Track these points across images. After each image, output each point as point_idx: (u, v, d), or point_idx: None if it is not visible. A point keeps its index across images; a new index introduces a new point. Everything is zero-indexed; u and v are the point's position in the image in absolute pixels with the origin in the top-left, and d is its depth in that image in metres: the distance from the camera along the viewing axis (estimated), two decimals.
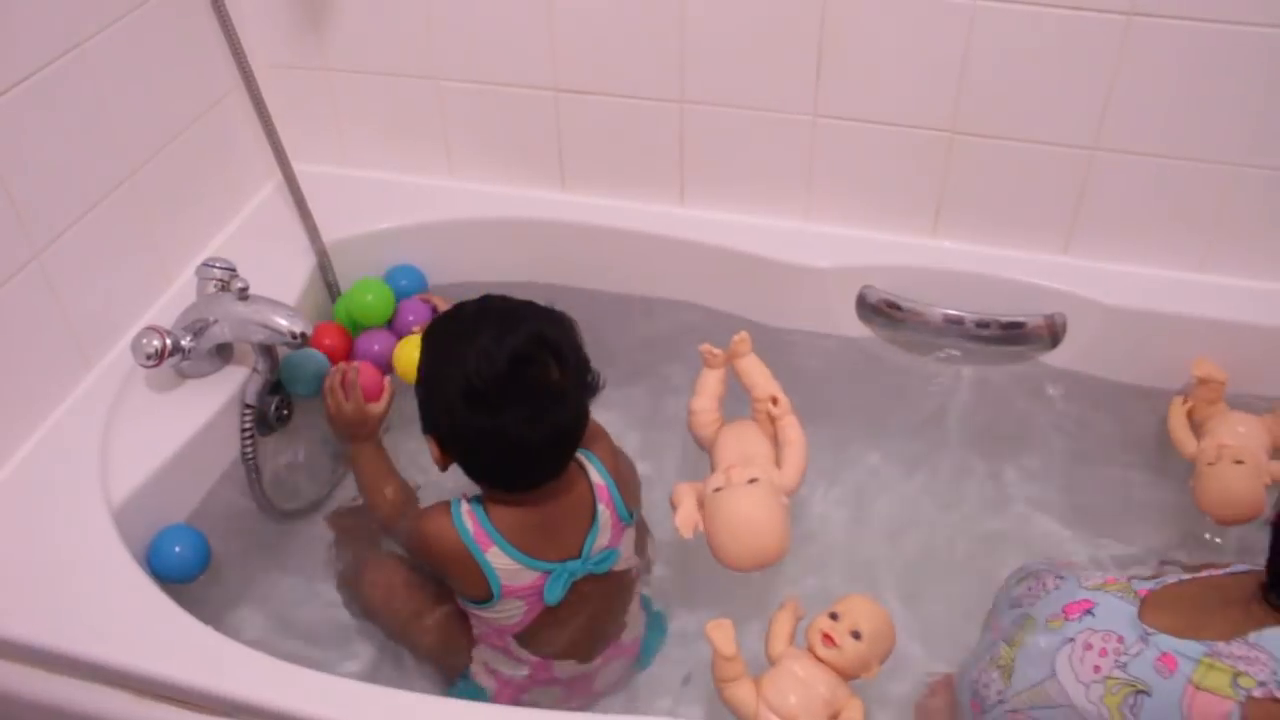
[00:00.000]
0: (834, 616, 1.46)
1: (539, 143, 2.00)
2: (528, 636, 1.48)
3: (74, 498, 1.48)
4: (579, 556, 1.44)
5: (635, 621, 1.60)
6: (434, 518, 1.43)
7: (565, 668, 1.53)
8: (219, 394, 1.66)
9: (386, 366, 1.81)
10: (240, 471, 1.69)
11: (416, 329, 1.87)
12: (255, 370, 1.66)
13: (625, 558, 1.51)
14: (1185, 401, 1.80)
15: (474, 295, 1.45)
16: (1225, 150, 1.73)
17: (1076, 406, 1.91)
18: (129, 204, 1.70)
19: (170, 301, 1.78)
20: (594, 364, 1.42)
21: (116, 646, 1.33)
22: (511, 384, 1.31)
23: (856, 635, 1.43)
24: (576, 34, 1.86)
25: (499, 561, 1.40)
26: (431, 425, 1.41)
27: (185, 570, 1.53)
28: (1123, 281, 1.85)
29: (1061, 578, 1.42)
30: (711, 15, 1.79)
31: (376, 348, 1.86)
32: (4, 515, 1.47)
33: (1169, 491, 1.79)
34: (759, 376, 1.71)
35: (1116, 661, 1.26)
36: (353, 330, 1.92)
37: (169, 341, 1.57)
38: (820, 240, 1.94)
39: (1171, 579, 1.33)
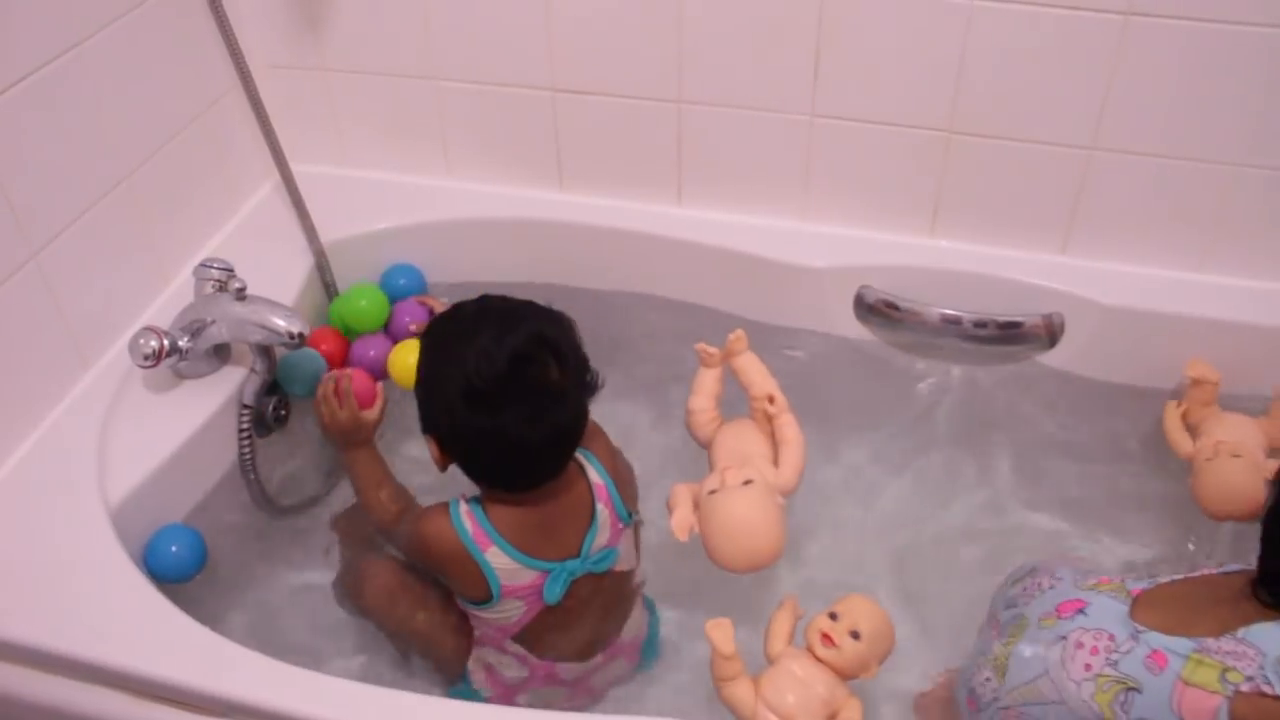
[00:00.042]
0: (833, 616, 1.45)
1: (537, 143, 2.00)
2: (527, 637, 1.48)
3: (71, 498, 1.48)
4: (578, 556, 1.44)
5: (637, 622, 1.60)
6: (432, 519, 1.43)
7: (565, 668, 1.53)
8: (217, 394, 1.66)
9: (381, 372, 1.80)
10: (238, 472, 1.69)
11: (414, 327, 1.86)
12: (253, 370, 1.66)
13: (624, 557, 1.51)
14: (1180, 405, 1.80)
15: (472, 295, 1.45)
16: (1223, 150, 1.73)
17: (1074, 406, 1.91)
18: (126, 204, 1.69)
19: (168, 302, 1.78)
20: (592, 363, 1.42)
21: (114, 647, 1.33)
22: (512, 383, 1.31)
23: (856, 635, 1.43)
24: (574, 34, 1.86)
25: (498, 561, 1.40)
26: (431, 425, 1.41)
27: (182, 570, 1.53)
28: (1121, 281, 1.85)
29: (1057, 577, 1.43)
30: (709, 15, 1.79)
31: (372, 353, 1.85)
32: (1, 516, 1.47)
33: (1167, 491, 1.79)
34: (756, 375, 1.71)
35: (1108, 659, 1.27)
36: (347, 335, 1.91)
37: (166, 342, 1.57)
38: (818, 240, 1.94)
39: (1165, 579, 1.35)
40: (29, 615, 1.36)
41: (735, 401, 1.74)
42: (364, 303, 1.89)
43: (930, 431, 1.93)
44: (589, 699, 1.60)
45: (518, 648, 1.49)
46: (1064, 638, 1.32)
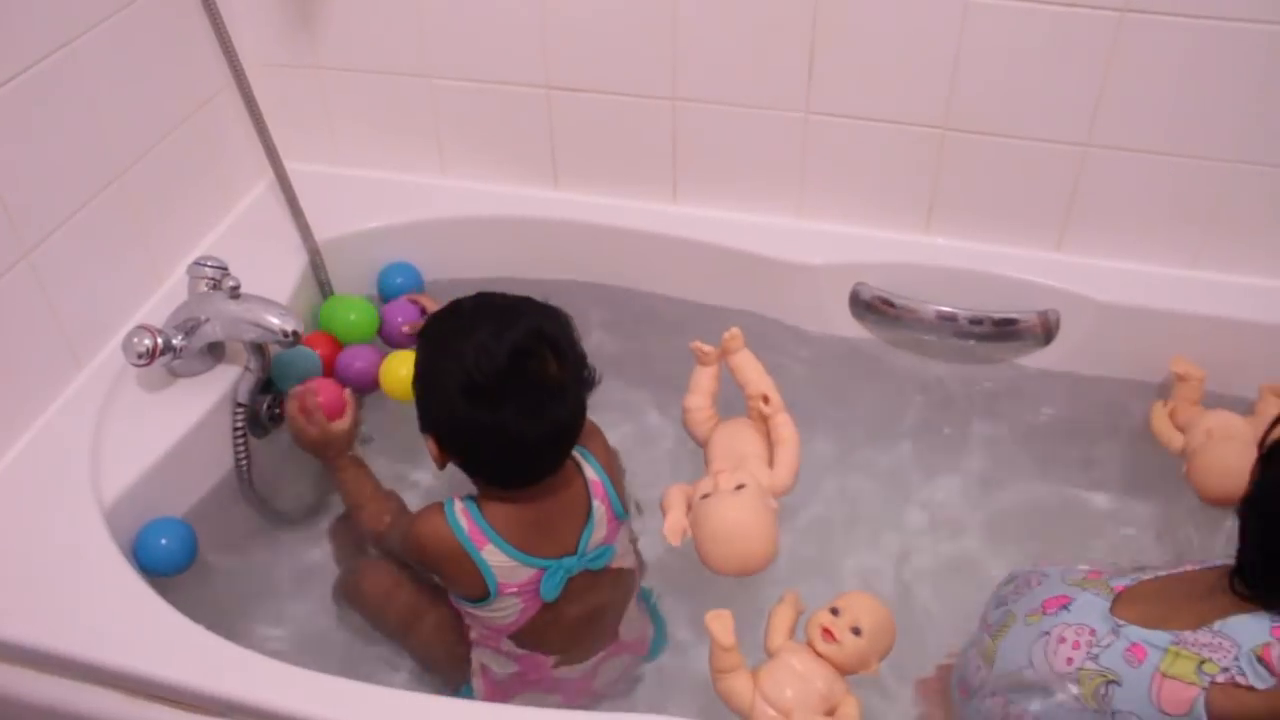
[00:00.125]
0: (835, 612, 1.45)
1: (532, 141, 2.00)
2: (524, 636, 1.47)
3: (65, 497, 1.48)
4: (575, 553, 1.44)
5: (636, 619, 1.60)
6: (427, 519, 1.43)
7: (564, 669, 1.52)
8: (211, 393, 1.65)
9: (371, 384, 1.79)
10: (232, 471, 1.68)
11: (406, 328, 1.85)
12: (247, 369, 1.65)
13: (621, 553, 1.51)
14: (1167, 404, 1.80)
15: (468, 293, 1.44)
16: (1218, 147, 1.74)
17: (1070, 403, 1.91)
18: (120, 203, 1.69)
19: (161, 300, 1.78)
20: (589, 360, 1.42)
21: (108, 646, 1.32)
22: (511, 378, 1.31)
23: (857, 631, 1.43)
24: (569, 31, 1.86)
25: (495, 559, 1.40)
26: (430, 423, 1.41)
27: (172, 562, 1.52)
28: (1116, 278, 1.85)
29: (1045, 575, 1.47)
30: (704, 12, 1.79)
31: (358, 364, 1.81)
32: None
33: (1160, 487, 1.79)
34: (752, 373, 1.71)
35: (1088, 653, 1.30)
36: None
37: (160, 340, 1.56)
38: (813, 237, 1.94)
39: (1148, 575, 1.38)
40: (22, 614, 1.36)
41: (733, 400, 1.74)
42: (353, 316, 1.87)
43: (926, 428, 1.93)
44: (589, 699, 1.59)
45: (514, 647, 1.48)
46: (1047, 633, 1.35)
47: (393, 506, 1.59)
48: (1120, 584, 1.37)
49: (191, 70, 1.83)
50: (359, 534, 1.65)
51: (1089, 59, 1.69)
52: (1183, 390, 1.78)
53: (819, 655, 1.44)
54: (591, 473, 1.47)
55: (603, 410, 1.44)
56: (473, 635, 1.52)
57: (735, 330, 1.73)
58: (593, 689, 1.58)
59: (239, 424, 1.66)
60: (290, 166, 1.89)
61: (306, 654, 1.62)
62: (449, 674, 1.57)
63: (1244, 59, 1.64)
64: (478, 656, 1.53)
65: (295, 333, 1.56)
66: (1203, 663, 1.22)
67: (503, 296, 1.42)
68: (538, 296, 1.43)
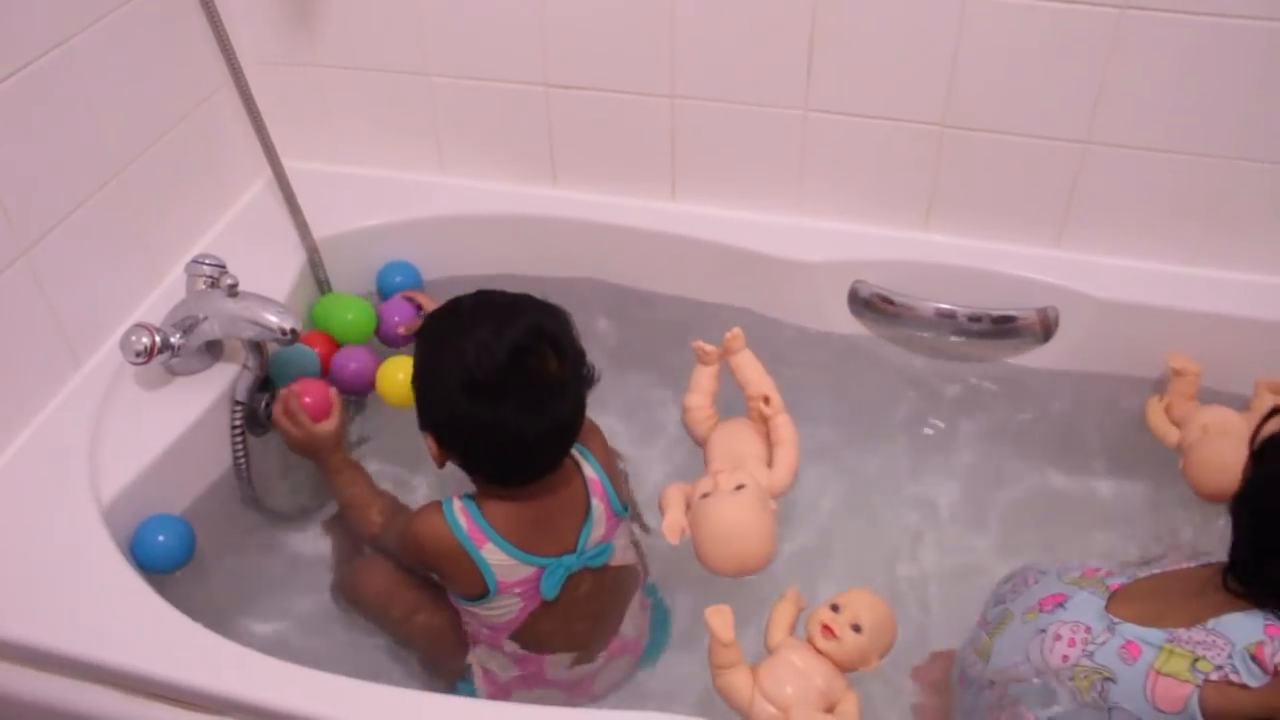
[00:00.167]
0: (835, 608, 1.46)
1: (530, 138, 2.00)
2: (524, 634, 1.47)
3: (63, 496, 1.47)
4: (574, 551, 1.44)
5: (636, 618, 1.60)
6: (426, 518, 1.43)
7: (563, 670, 1.52)
8: (209, 391, 1.65)
9: (365, 385, 1.79)
10: (230, 469, 1.68)
11: (403, 329, 1.85)
12: (245, 367, 1.65)
13: (621, 551, 1.51)
14: (1163, 398, 1.80)
15: (467, 291, 1.44)
16: (1217, 144, 1.73)
17: (1068, 399, 1.91)
18: (118, 201, 1.69)
19: (159, 299, 1.77)
20: (588, 357, 1.42)
21: (106, 644, 1.32)
22: (512, 375, 1.31)
23: (857, 628, 1.43)
24: (567, 29, 1.85)
25: (494, 557, 1.40)
26: (429, 421, 1.40)
27: (170, 559, 1.52)
28: (1115, 275, 1.85)
29: (1042, 573, 1.48)
30: (702, 10, 1.78)
31: (353, 366, 1.80)
32: None
33: (1160, 482, 1.79)
34: (752, 373, 1.71)
35: (1084, 651, 1.31)
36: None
37: (158, 338, 1.56)
38: (812, 235, 1.94)
39: (1143, 573, 1.39)
40: (20, 613, 1.36)
41: (732, 400, 1.74)
42: (350, 315, 1.86)
43: (924, 425, 1.93)
44: (588, 699, 1.59)
45: (515, 647, 1.48)
46: (1044, 630, 1.37)
47: (385, 505, 1.59)
48: (1116, 582, 1.38)
49: (189, 68, 1.82)
50: (353, 532, 1.65)
51: (1088, 56, 1.69)
52: (1179, 385, 1.78)
53: (819, 652, 1.44)
54: (590, 471, 1.47)
55: (600, 408, 1.44)
56: (470, 633, 1.52)
57: (737, 330, 1.73)
58: (593, 690, 1.58)
59: (237, 422, 1.66)
60: (288, 164, 1.88)
61: (304, 651, 1.62)
62: (446, 671, 1.57)
63: (1243, 56, 1.64)
64: (476, 656, 1.53)
65: (293, 331, 1.55)
66: (1196, 660, 1.23)
67: (502, 294, 1.42)
68: (536, 294, 1.43)
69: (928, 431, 1.93)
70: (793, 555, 1.74)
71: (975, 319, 1.88)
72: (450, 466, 1.43)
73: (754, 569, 1.56)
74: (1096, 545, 1.78)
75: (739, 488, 1.57)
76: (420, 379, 1.41)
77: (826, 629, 1.44)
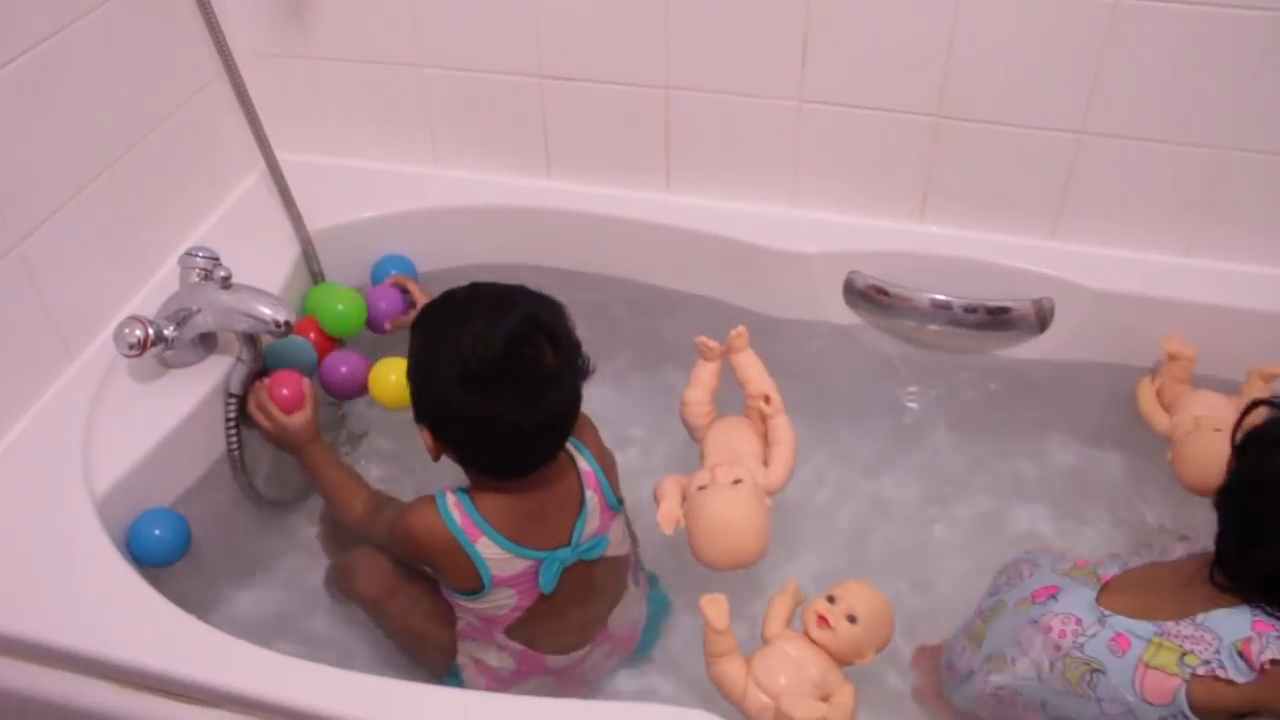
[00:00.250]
0: (831, 600, 1.45)
1: (524, 130, 1.99)
2: (519, 628, 1.47)
3: (57, 489, 1.47)
4: (568, 544, 1.44)
5: (632, 609, 1.60)
6: (419, 512, 1.43)
7: (558, 660, 1.52)
8: (203, 384, 1.65)
9: (356, 388, 1.78)
10: (225, 461, 1.68)
11: (389, 325, 1.84)
12: (239, 359, 1.65)
13: (616, 544, 1.51)
14: (1154, 380, 1.80)
15: (461, 283, 1.44)
16: (1212, 134, 1.73)
17: (1064, 390, 1.91)
18: (110, 193, 1.68)
19: (153, 291, 1.77)
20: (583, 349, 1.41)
21: (100, 637, 1.32)
22: (509, 366, 1.31)
23: (852, 619, 1.43)
24: (561, 20, 1.85)
25: (489, 551, 1.40)
26: (425, 414, 1.40)
27: (165, 553, 1.52)
28: (1110, 266, 1.85)
29: (1036, 565, 1.49)
30: (696, 0, 1.78)
31: (344, 369, 1.79)
32: None
33: (1154, 473, 1.79)
34: (754, 372, 1.71)
35: (1075, 642, 1.33)
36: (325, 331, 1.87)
37: (152, 331, 1.55)
38: (807, 226, 1.93)
39: (1134, 564, 1.41)
40: (13, 606, 1.35)
41: (732, 398, 1.74)
42: (340, 307, 1.84)
43: (919, 416, 1.94)
44: (582, 689, 1.59)
45: (507, 639, 1.48)
46: (1035, 621, 1.38)
47: (368, 496, 1.59)
48: (1107, 573, 1.39)
49: (182, 60, 1.82)
50: (339, 523, 1.65)
51: (1083, 46, 1.69)
52: (1172, 369, 1.78)
53: (814, 643, 1.43)
54: (584, 464, 1.47)
55: (593, 401, 1.44)
56: (460, 626, 1.51)
57: (741, 329, 1.72)
58: (586, 680, 1.58)
59: (231, 414, 1.66)
60: (282, 157, 1.88)
61: (300, 643, 1.63)
62: (435, 664, 1.57)
63: (1239, 46, 1.64)
64: (470, 649, 1.53)
65: (287, 323, 1.55)
66: (1184, 654, 1.24)
67: (497, 286, 1.42)
68: (531, 285, 1.42)
69: (923, 422, 1.93)
70: (790, 548, 1.74)
71: (970, 310, 1.88)
72: (444, 463, 1.42)
73: (747, 563, 1.56)
74: (1089, 534, 1.79)
75: (736, 482, 1.57)
76: (415, 371, 1.41)
77: (821, 619, 1.43)
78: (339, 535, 1.73)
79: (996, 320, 1.88)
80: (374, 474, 1.83)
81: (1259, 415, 1.34)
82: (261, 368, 1.68)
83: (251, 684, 1.28)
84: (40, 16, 1.51)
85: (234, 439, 1.67)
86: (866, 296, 1.91)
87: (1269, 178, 1.75)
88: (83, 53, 1.59)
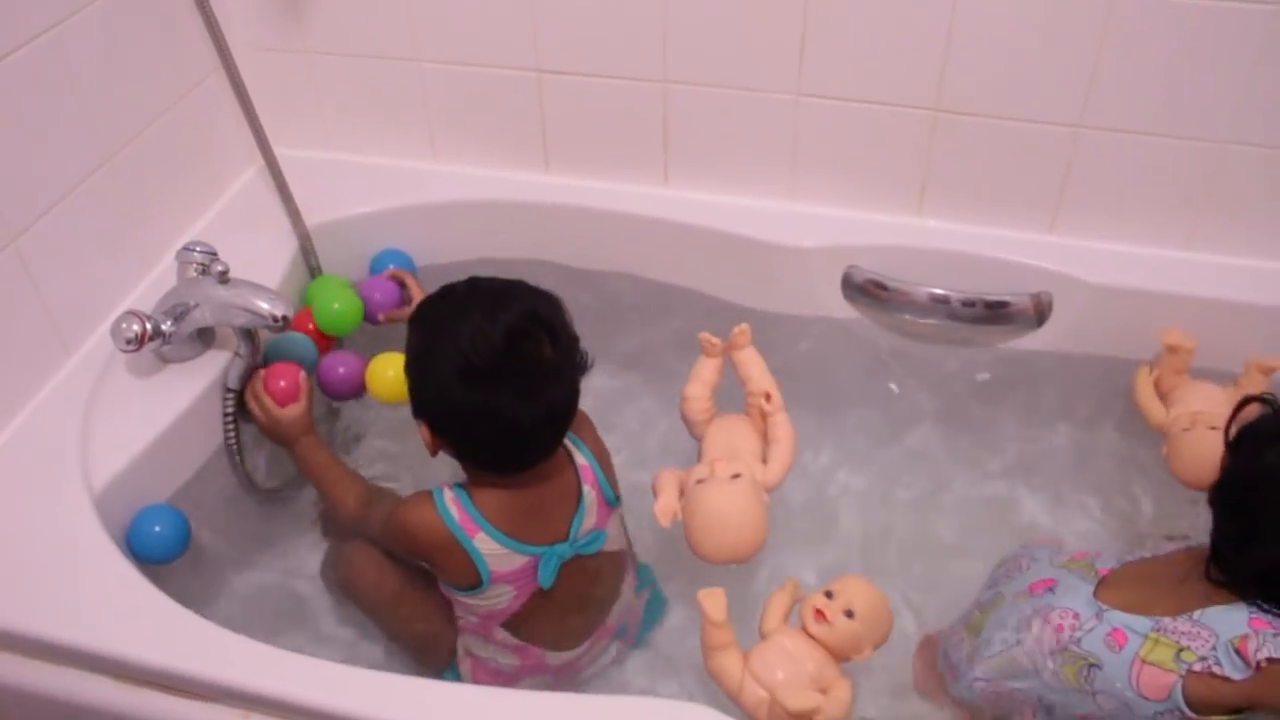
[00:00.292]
0: (829, 595, 1.45)
1: (522, 124, 1.99)
2: (516, 623, 1.47)
3: (55, 484, 1.47)
4: (566, 539, 1.44)
5: (629, 603, 1.60)
6: (416, 508, 1.42)
7: (556, 655, 1.52)
8: (201, 378, 1.64)
9: (353, 389, 1.78)
10: (223, 456, 1.68)
11: (382, 317, 1.83)
12: (237, 354, 1.65)
13: (613, 538, 1.51)
14: (1153, 371, 1.80)
15: (459, 278, 1.44)
16: (1211, 128, 1.73)
17: (1062, 384, 1.91)
18: (108, 188, 1.68)
19: (150, 286, 1.77)
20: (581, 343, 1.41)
21: (98, 632, 1.32)
22: (508, 360, 1.31)
23: (850, 614, 1.43)
24: (559, 14, 1.85)
25: (486, 547, 1.40)
26: (424, 409, 1.40)
27: (166, 550, 1.52)
28: (1108, 260, 1.85)
29: (1034, 558, 1.50)
30: None
31: (341, 370, 1.78)
32: None
33: (1153, 466, 1.79)
34: (755, 370, 1.71)
35: (1072, 637, 1.33)
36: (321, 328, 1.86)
37: (149, 326, 1.55)
38: (805, 220, 1.93)
39: (1131, 558, 1.41)
40: (12, 601, 1.35)
41: (731, 396, 1.74)
42: (337, 306, 1.82)
43: (917, 411, 1.94)
44: (576, 684, 1.59)
45: (507, 635, 1.48)
46: (1033, 614, 1.39)
47: (360, 489, 1.59)
48: (1104, 566, 1.40)
49: (179, 55, 1.81)
50: (333, 517, 1.64)
51: (1082, 39, 1.69)
52: (1170, 361, 1.77)
53: (811, 637, 1.43)
54: (582, 459, 1.47)
55: (591, 395, 1.44)
56: (460, 622, 1.51)
57: (744, 326, 1.72)
58: (581, 674, 1.58)
59: (229, 409, 1.66)
60: (280, 152, 1.88)
61: (300, 638, 1.63)
62: (433, 659, 1.57)
63: (1237, 39, 1.64)
64: (467, 644, 1.53)
65: (285, 317, 1.55)
66: (1181, 650, 1.25)
67: (495, 280, 1.42)
68: (529, 280, 1.42)
69: (921, 417, 1.93)
70: (788, 543, 1.74)
71: (969, 304, 1.88)
72: (443, 462, 1.42)
73: (744, 558, 1.56)
74: (1087, 527, 1.79)
75: (735, 476, 1.57)
76: (414, 366, 1.41)
77: (819, 614, 1.43)
78: (340, 529, 1.73)
79: (995, 314, 1.88)
80: (373, 474, 1.82)
81: (1253, 411, 1.34)
82: (259, 362, 1.68)
83: (251, 679, 1.28)
84: (37, 10, 1.51)
85: (232, 433, 1.67)
86: (865, 291, 1.91)
87: (1268, 171, 1.75)
88: (80, 47, 1.59)
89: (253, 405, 1.63)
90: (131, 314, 1.55)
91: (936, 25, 1.72)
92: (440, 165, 2.08)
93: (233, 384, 1.65)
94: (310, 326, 1.82)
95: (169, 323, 1.58)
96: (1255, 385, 1.72)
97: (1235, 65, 1.66)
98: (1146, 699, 1.26)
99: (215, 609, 1.62)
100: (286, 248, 1.90)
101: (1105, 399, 1.90)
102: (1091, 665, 1.30)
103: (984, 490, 1.84)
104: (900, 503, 1.84)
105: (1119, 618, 1.31)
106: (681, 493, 1.59)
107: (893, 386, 1.96)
